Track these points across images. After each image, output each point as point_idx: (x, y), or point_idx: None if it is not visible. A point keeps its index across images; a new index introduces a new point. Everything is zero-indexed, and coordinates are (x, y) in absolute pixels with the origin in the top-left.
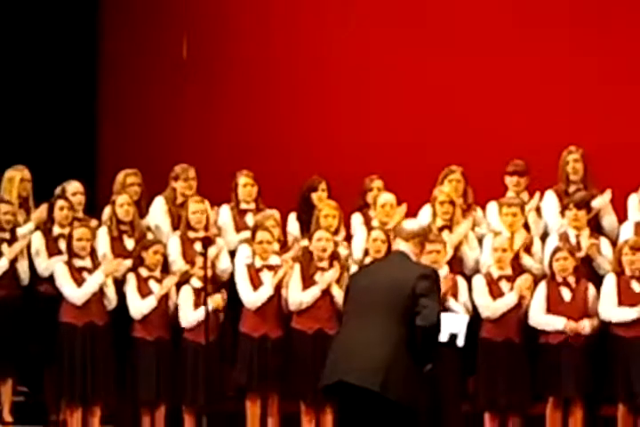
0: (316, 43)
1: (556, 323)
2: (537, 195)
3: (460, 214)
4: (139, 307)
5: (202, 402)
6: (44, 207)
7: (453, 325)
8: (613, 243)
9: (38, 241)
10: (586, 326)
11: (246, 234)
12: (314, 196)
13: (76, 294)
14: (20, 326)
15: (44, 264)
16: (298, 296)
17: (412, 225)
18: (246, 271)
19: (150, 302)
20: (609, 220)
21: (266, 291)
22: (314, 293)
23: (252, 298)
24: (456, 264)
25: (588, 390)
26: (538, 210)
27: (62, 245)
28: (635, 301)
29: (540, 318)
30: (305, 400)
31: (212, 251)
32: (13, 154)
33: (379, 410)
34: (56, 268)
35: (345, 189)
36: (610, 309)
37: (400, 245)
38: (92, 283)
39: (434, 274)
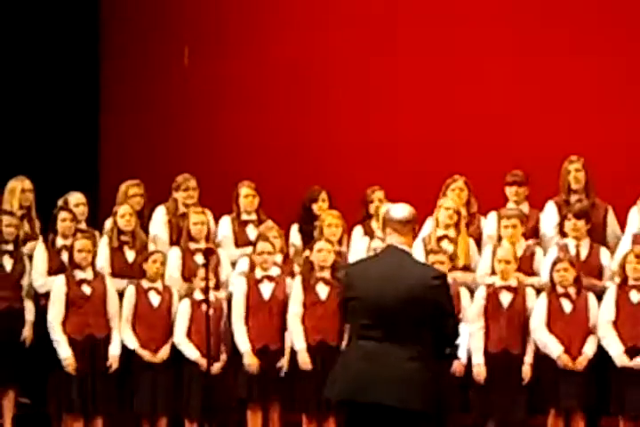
0: (318, 52)
1: (553, 350)
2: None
3: (464, 225)
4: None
5: (202, 413)
6: None
7: None
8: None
9: (40, 255)
10: (581, 363)
11: (248, 249)
12: (315, 206)
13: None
14: (20, 337)
15: (41, 281)
16: (298, 309)
17: (401, 212)
18: (245, 284)
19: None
20: (612, 230)
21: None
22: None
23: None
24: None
25: (590, 402)
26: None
27: (65, 256)
28: (632, 311)
29: (542, 335)
30: (307, 411)
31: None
32: (16, 165)
33: (403, 422)
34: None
35: (348, 199)
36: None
37: (393, 237)
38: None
39: (445, 279)
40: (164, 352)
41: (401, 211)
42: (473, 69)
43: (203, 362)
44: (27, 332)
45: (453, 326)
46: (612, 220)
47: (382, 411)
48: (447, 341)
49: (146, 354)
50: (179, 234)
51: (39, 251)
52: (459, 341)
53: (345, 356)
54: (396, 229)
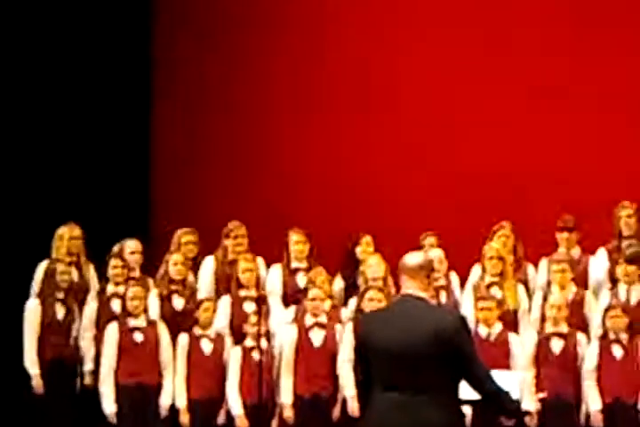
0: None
1: (592, 404)
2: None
3: (511, 271)
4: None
5: None
6: None
7: (506, 382)
8: None
9: (90, 307)
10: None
11: (291, 313)
12: (358, 250)
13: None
14: (71, 386)
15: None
16: (349, 356)
17: (414, 259)
18: (296, 331)
19: None
20: None
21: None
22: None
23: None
24: (507, 320)
25: None
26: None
27: (115, 304)
28: None
29: (588, 385)
30: None
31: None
32: (66, 211)
33: None
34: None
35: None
36: None
37: (407, 284)
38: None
39: (464, 321)
40: (221, 418)
41: (414, 258)
42: (523, 114)
43: (243, 422)
44: (87, 380)
45: (481, 367)
46: None
47: None
48: (478, 383)
49: (186, 422)
50: (228, 282)
51: (90, 299)
52: (516, 394)
53: (371, 409)
54: (411, 275)
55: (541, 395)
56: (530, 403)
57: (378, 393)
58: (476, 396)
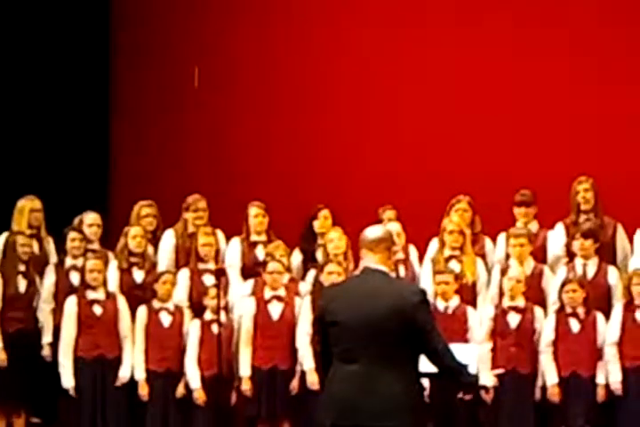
0: (323, 69)
1: (549, 378)
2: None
3: (470, 244)
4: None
5: None
6: None
7: (463, 355)
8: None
9: (49, 280)
10: (602, 396)
11: (249, 286)
12: (316, 224)
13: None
14: (33, 357)
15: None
16: (308, 329)
17: (375, 232)
18: (254, 304)
19: None
20: (621, 247)
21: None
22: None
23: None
24: (465, 293)
25: (599, 422)
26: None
27: (73, 277)
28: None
29: (546, 359)
30: None
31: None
32: (25, 184)
33: None
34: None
35: (359, 219)
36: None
37: (368, 257)
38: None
39: (424, 295)
40: (179, 391)
41: (375, 231)
42: (480, 87)
43: (201, 395)
44: (46, 352)
45: (440, 341)
46: (621, 238)
47: None
48: (436, 357)
49: (145, 394)
50: (188, 255)
51: (49, 277)
52: (473, 368)
53: (331, 381)
54: (370, 248)
55: (498, 371)
56: (487, 378)
57: (338, 366)
58: (434, 369)
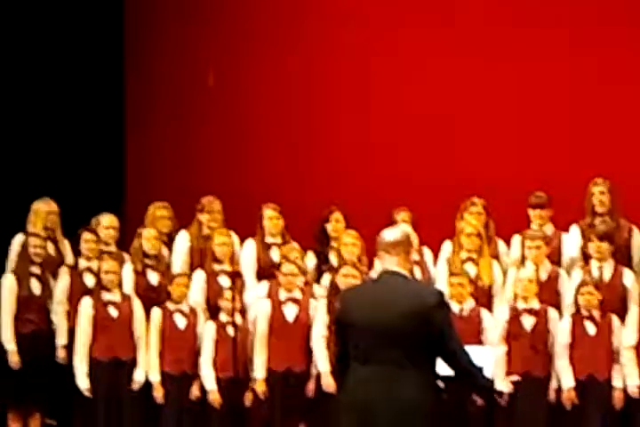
0: (354, 70)
1: (565, 382)
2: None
3: (487, 247)
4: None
5: None
6: None
7: (478, 358)
8: None
9: (63, 282)
10: (620, 400)
11: (264, 288)
12: (328, 226)
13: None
14: (47, 359)
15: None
16: (323, 332)
17: (393, 234)
18: (269, 306)
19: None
20: (637, 250)
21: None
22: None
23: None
24: (481, 296)
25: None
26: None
27: (87, 278)
28: None
29: (562, 363)
30: None
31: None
32: (41, 186)
33: None
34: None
35: (372, 220)
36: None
37: (386, 261)
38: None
39: (442, 296)
40: (194, 393)
41: (393, 234)
42: (498, 90)
43: (216, 397)
44: (61, 354)
45: (457, 343)
46: (636, 240)
47: None
48: (453, 359)
49: (159, 396)
50: (202, 257)
51: (63, 279)
52: (489, 371)
53: (348, 383)
54: (388, 251)
55: (514, 378)
56: (503, 384)
57: (355, 368)
58: (450, 372)
